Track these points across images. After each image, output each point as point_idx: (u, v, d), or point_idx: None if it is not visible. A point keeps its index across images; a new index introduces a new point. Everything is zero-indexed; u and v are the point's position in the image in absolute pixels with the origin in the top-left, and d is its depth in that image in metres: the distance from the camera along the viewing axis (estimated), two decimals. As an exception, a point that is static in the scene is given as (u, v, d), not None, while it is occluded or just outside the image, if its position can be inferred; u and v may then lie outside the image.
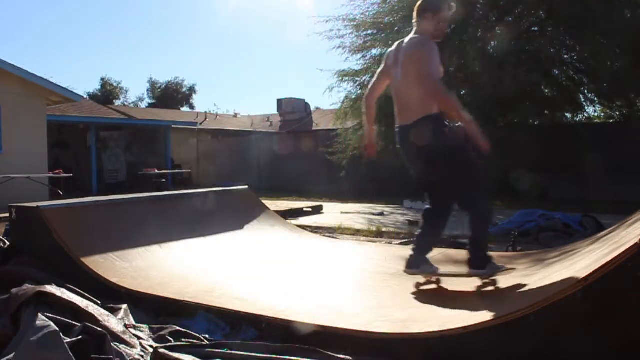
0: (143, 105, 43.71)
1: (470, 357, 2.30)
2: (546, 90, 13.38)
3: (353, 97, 14.46)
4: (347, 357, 2.33)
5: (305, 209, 10.26)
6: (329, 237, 6.62)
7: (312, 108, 29.04)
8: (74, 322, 2.45)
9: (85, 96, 27.37)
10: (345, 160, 14.73)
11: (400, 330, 2.54)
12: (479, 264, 3.28)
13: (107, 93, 42.11)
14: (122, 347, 2.37)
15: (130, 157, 19.30)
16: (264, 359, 2.29)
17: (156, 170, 16.43)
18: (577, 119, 13.58)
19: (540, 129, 12.26)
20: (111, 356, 2.22)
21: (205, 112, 29.71)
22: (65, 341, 2.12)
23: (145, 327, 2.80)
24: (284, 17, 77.45)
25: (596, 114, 14.99)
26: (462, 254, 4.81)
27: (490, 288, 3.25)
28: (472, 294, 3.21)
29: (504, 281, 3.35)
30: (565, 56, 12.57)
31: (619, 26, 10.67)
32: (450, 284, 3.54)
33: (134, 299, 3.25)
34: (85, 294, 3.03)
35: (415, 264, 3.42)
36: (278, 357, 2.30)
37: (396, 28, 12.97)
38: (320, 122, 24.62)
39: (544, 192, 11.71)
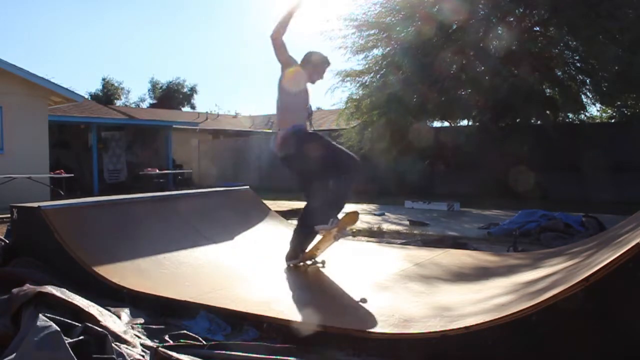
0: (144, 105, 43.77)
1: (472, 357, 2.30)
2: (548, 91, 13.38)
3: (355, 97, 14.49)
4: (347, 357, 2.33)
5: (306, 209, 10.24)
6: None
7: (314, 108, 29.06)
8: (74, 323, 2.45)
9: (86, 96, 27.43)
10: None
11: (402, 330, 2.54)
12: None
13: (108, 93, 42.16)
14: (123, 347, 2.37)
15: (132, 157, 19.32)
16: (264, 359, 2.29)
17: (157, 171, 16.46)
18: (579, 119, 13.57)
19: (542, 129, 12.26)
20: (112, 356, 2.22)
21: (206, 112, 29.75)
22: (66, 341, 2.12)
23: (146, 327, 2.81)
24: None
25: (598, 114, 14.99)
26: (466, 253, 4.83)
27: (492, 288, 3.24)
28: (472, 295, 3.20)
29: (506, 281, 3.35)
30: (567, 56, 12.56)
31: (623, 26, 10.67)
32: (451, 285, 3.54)
33: (135, 299, 3.25)
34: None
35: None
36: (277, 357, 2.30)
37: (397, 28, 12.99)
38: (321, 123, 24.63)
39: (545, 192, 11.72)
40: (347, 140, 14.77)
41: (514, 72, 11.86)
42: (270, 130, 25.00)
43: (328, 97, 39.26)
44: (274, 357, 2.30)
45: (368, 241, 6.38)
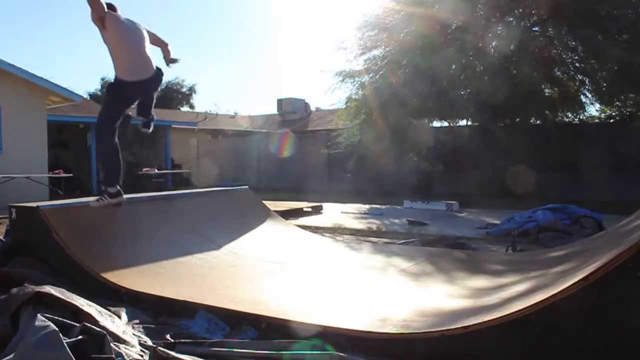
0: (143, 105, 43.64)
1: (470, 357, 2.30)
2: (547, 90, 13.38)
3: (355, 97, 14.48)
4: (347, 355, 2.33)
5: (305, 209, 10.25)
6: (329, 237, 6.62)
7: (312, 108, 29.06)
8: (73, 323, 2.44)
9: (85, 96, 27.36)
10: (351, 161, 14.75)
11: (400, 330, 2.54)
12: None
13: (107, 93, 42.03)
14: (121, 347, 2.37)
15: (130, 157, 19.28)
16: (264, 356, 2.29)
17: (156, 170, 16.45)
18: (578, 119, 13.57)
19: (542, 129, 12.27)
20: (111, 356, 2.22)
21: (205, 112, 29.73)
22: (64, 341, 2.12)
23: (145, 326, 2.80)
24: (284, 16, 77.45)
25: (597, 114, 14.99)
26: (465, 253, 4.83)
27: (491, 288, 3.24)
28: (472, 294, 3.20)
29: (504, 281, 3.35)
30: (566, 56, 12.57)
31: (622, 26, 10.68)
32: (450, 285, 3.54)
33: (133, 299, 3.25)
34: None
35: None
36: (278, 352, 2.30)
37: (397, 28, 12.99)
38: (320, 122, 24.64)
39: (544, 192, 11.72)
40: (347, 140, 14.76)
41: (513, 72, 11.85)
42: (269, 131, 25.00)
43: (327, 97, 39.26)
44: (274, 353, 2.30)
45: (367, 241, 6.38)
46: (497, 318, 2.27)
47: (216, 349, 2.39)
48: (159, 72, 4.41)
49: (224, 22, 74.43)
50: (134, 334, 2.63)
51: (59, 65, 65.65)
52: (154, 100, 4.63)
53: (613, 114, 14.21)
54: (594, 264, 2.26)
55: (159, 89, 4.67)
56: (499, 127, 12.43)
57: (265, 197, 8.60)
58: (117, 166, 4.35)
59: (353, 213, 10.09)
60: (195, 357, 2.30)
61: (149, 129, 4.70)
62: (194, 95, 45.80)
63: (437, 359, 2.34)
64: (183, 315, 3.00)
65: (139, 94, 4.39)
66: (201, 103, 71.78)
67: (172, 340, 2.53)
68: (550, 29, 12.30)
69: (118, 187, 4.31)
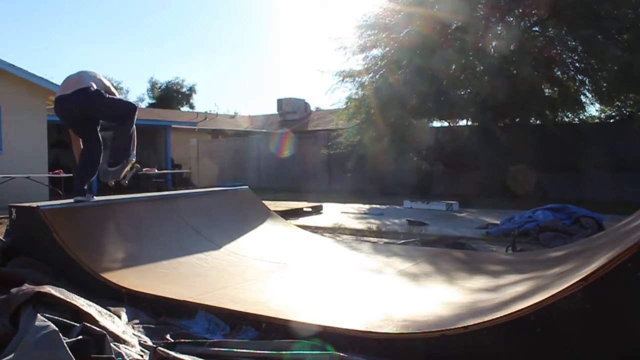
0: (143, 105, 43.71)
1: (470, 357, 2.30)
2: (547, 90, 13.39)
3: (355, 97, 14.49)
4: (347, 355, 2.33)
5: (305, 209, 10.25)
6: (329, 237, 6.62)
7: (312, 108, 29.08)
8: (73, 323, 2.44)
9: (85, 96, 27.28)
10: (351, 161, 14.76)
11: (400, 330, 2.54)
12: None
13: (107, 93, 42.02)
14: (121, 346, 2.37)
15: (130, 157, 19.30)
16: (264, 356, 2.29)
17: (156, 170, 16.45)
18: (578, 119, 13.59)
19: (542, 129, 12.27)
20: (111, 356, 2.22)
21: (205, 112, 29.76)
22: (64, 341, 2.12)
23: (145, 326, 2.80)
24: (284, 16, 77.47)
25: (597, 114, 15.01)
26: (464, 253, 4.83)
27: (491, 288, 3.24)
28: (472, 295, 3.20)
29: (504, 281, 3.35)
30: (566, 56, 12.57)
31: (622, 26, 10.69)
32: (449, 285, 3.54)
33: (134, 299, 3.25)
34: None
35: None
36: (278, 352, 2.30)
37: (397, 28, 13.00)
38: (320, 122, 24.65)
39: (544, 192, 11.73)
40: (347, 140, 14.76)
41: (513, 72, 11.86)
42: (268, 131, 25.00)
43: (327, 97, 39.28)
44: (274, 353, 2.30)
45: (367, 241, 6.38)
46: (497, 318, 2.27)
47: (216, 349, 2.39)
48: (85, 91, 4.44)
49: (224, 22, 74.49)
50: (134, 334, 2.63)
51: (59, 65, 65.73)
52: (121, 142, 5.01)
53: (613, 114, 14.22)
54: (594, 264, 2.26)
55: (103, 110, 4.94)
56: (499, 127, 12.44)
57: (265, 197, 8.61)
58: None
59: (353, 213, 10.09)
60: (195, 357, 2.30)
61: (110, 168, 4.81)
62: (194, 95, 45.89)
63: (437, 359, 2.34)
64: (183, 315, 3.00)
65: (66, 110, 4.59)
66: (201, 103, 71.97)
67: (172, 340, 2.53)
68: (550, 29, 12.31)
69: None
